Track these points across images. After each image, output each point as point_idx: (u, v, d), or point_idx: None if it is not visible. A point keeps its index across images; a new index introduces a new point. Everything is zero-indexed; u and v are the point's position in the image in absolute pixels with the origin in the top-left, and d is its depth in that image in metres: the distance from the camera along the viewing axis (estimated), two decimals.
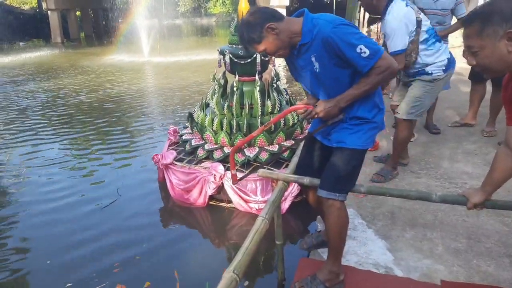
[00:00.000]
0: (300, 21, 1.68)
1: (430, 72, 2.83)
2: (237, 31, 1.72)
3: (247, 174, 2.73)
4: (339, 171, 1.78)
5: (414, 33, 2.71)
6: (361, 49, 1.58)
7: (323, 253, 2.26)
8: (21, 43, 19.29)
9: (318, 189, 1.82)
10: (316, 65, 1.69)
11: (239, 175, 3.05)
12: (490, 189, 1.57)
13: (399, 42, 2.66)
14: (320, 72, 1.71)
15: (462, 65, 5.74)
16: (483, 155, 3.48)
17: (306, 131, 3.37)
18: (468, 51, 1.33)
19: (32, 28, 22.69)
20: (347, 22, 1.66)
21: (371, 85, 1.67)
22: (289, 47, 1.72)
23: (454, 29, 3.82)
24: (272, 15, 1.67)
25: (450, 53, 2.93)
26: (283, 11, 15.97)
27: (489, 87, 4.09)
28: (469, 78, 4.19)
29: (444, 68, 2.83)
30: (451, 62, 2.87)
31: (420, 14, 2.76)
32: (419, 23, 2.71)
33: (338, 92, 1.72)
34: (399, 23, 2.63)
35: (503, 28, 1.22)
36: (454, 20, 3.87)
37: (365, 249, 2.32)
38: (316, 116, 1.75)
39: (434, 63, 2.81)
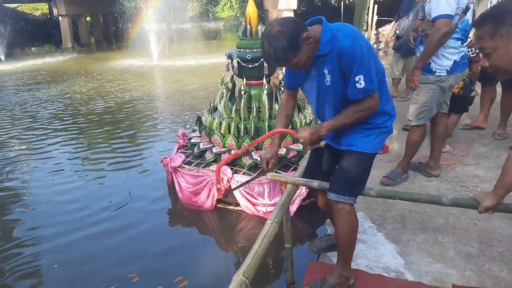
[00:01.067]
0: (318, 30, 1.63)
1: (434, 70, 2.77)
2: (265, 47, 1.57)
3: (237, 187, 2.75)
4: (349, 174, 1.77)
5: (458, 15, 2.60)
6: (359, 78, 1.58)
7: (333, 256, 2.25)
8: (33, 49, 19.61)
9: (328, 192, 1.82)
10: (328, 78, 1.67)
11: (246, 177, 3.09)
12: (501, 192, 1.55)
13: (445, 5, 2.53)
14: (330, 86, 1.69)
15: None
16: (494, 158, 3.43)
17: None
18: (481, 53, 1.32)
19: (43, 34, 23.08)
20: (364, 39, 1.63)
21: (350, 120, 1.70)
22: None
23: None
24: (302, 23, 1.61)
25: (464, 57, 2.84)
26: (290, 14, 16.02)
27: (499, 89, 4.04)
28: (479, 80, 4.13)
29: (448, 69, 2.76)
30: (458, 65, 2.78)
31: (472, 2, 2.64)
32: (467, 9, 2.59)
33: (345, 106, 1.72)
34: None
35: None
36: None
37: (376, 253, 2.30)
38: (299, 141, 1.83)
39: (444, 58, 2.72)
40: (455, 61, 2.75)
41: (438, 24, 2.60)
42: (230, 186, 3.14)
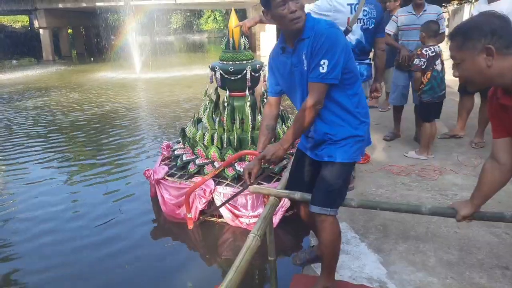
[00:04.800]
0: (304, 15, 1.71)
1: None
2: None
3: (222, 205, 2.74)
4: (329, 186, 1.78)
5: None
6: (324, 62, 1.61)
7: (317, 268, 2.24)
8: (13, 61, 19.26)
9: (309, 205, 1.82)
10: (305, 63, 1.69)
11: (229, 189, 3.07)
12: (478, 201, 1.58)
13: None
14: (306, 72, 1.70)
15: (451, 78, 5.84)
16: (472, 166, 3.52)
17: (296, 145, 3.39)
18: (454, 63, 1.39)
19: (23, 46, 22.72)
20: (341, 33, 1.70)
21: (299, 122, 1.72)
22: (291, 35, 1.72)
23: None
24: None
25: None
26: (273, 28, 16.21)
27: (477, 99, 4.16)
28: (458, 90, 4.26)
29: None
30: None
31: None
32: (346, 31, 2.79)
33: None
34: None
35: (481, 42, 1.28)
36: None
37: (359, 263, 2.31)
38: (267, 161, 1.83)
39: None
40: None
41: None
42: (212, 198, 3.12)
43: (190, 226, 2.90)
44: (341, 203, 1.84)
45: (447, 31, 4.28)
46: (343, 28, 2.72)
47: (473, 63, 1.32)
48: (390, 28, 4.10)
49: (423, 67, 3.50)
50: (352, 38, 2.84)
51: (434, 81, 3.55)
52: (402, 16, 4.02)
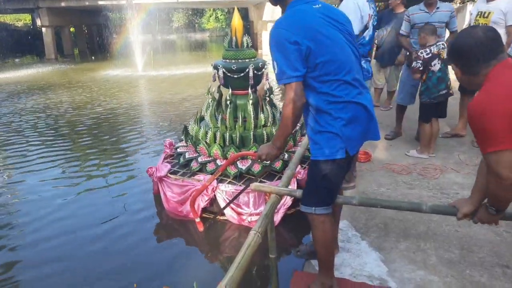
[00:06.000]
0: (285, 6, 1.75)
1: None
2: None
3: (227, 206, 2.78)
4: (309, 184, 1.80)
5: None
6: (275, 64, 1.64)
7: (317, 265, 2.25)
8: (16, 60, 19.30)
9: (299, 204, 1.84)
10: None
11: (231, 187, 3.09)
12: (478, 198, 1.59)
13: None
14: None
15: (452, 77, 5.83)
16: (473, 165, 3.52)
17: (300, 143, 3.40)
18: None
19: (26, 45, 22.75)
20: (288, 29, 1.61)
21: (284, 121, 1.71)
22: None
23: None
24: None
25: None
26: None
27: None
28: (458, 89, 4.26)
29: None
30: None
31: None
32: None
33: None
34: None
35: (478, 67, 1.44)
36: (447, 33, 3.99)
37: (359, 261, 2.32)
38: (261, 159, 1.88)
39: None
40: None
41: None
42: (214, 195, 3.13)
43: (201, 229, 2.91)
44: (331, 202, 1.81)
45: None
46: (361, 25, 2.80)
47: (470, 80, 1.50)
48: (404, 29, 4.04)
49: (420, 68, 3.53)
50: (366, 34, 2.91)
51: (429, 81, 3.57)
52: (414, 14, 3.95)
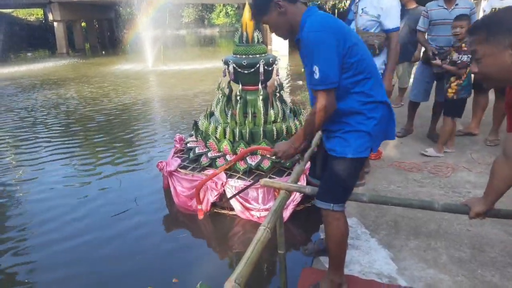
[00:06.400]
0: (300, 12, 1.70)
1: None
2: None
3: (234, 196, 2.79)
4: (331, 181, 1.77)
5: None
6: (315, 69, 1.60)
7: (326, 262, 2.24)
8: (28, 54, 19.52)
9: (314, 199, 1.82)
10: (305, 62, 1.71)
11: (240, 182, 3.10)
12: (492, 198, 1.57)
13: None
14: (306, 74, 1.72)
15: None
16: (486, 164, 3.47)
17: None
18: (472, 58, 1.35)
19: (38, 39, 23.01)
20: (326, 28, 1.60)
21: (307, 124, 1.71)
22: (290, 33, 1.75)
23: None
24: None
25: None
26: None
27: (492, 96, 4.10)
28: (472, 88, 4.19)
29: None
30: None
31: None
32: None
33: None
34: None
35: (508, 38, 1.23)
36: None
37: (369, 258, 2.31)
38: (278, 158, 1.86)
39: None
40: None
41: None
42: (224, 191, 3.14)
43: (200, 217, 2.96)
44: (347, 199, 1.82)
45: None
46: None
47: (495, 59, 1.27)
48: (422, 25, 3.95)
49: (469, 63, 3.34)
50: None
51: (469, 77, 3.47)
52: (432, 10, 3.84)
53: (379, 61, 3.00)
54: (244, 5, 3.59)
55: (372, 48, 2.92)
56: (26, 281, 2.65)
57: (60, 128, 6.25)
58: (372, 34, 2.93)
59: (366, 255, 2.33)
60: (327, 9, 22.03)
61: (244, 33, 3.42)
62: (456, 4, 3.69)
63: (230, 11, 34.21)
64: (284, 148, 1.83)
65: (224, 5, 34.54)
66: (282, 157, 1.85)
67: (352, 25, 3.02)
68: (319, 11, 1.69)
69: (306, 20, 1.66)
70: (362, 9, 2.93)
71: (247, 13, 3.39)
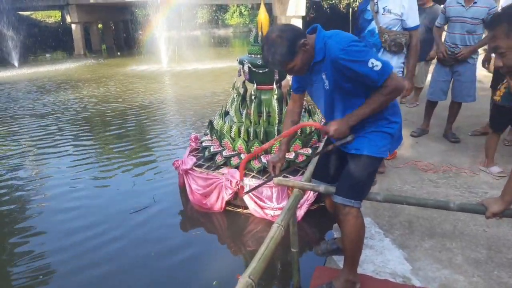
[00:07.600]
0: (313, 39, 1.69)
1: None
2: (264, 50, 1.66)
3: (251, 190, 2.76)
4: (354, 178, 1.79)
5: None
6: (372, 63, 1.60)
7: (339, 261, 2.25)
8: (47, 55, 19.97)
9: (333, 195, 1.84)
10: (327, 82, 1.72)
11: (254, 181, 3.12)
12: (509, 198, 1.55)
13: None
14: (330, 90, 1.73)
15: (484, 73, 5.64)
16: (504, 164, 3.40)
17: (324, 139, 3.38)
18: (495, 52, 1.33)
19: (56, 41, 23.51)
20: (356, 40, 1.66)
21: (378, 105, 1.71)
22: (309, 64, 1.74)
23: (485, 43, 3.74)
24: (300, 31, 1.68)
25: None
26: (299, 21, 16.11)
27: None
28: (490, 86, 4.12)
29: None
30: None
31: None
32: None
33: (351, 108, 1.74)
34: None
35: None
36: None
37: (382, 258, 2.30)
38: (327, 134, 1.78)
39: None
40: None
41: None
42: (238, 189, 3.17)
43: (242, 195, 3.15)
44: (365, 197, 1.85)
45: None
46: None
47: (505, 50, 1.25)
48: (439, 21, 3.91)
49: None
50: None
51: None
52: (449, 7, 3.77)
53: (399, 61, 3.00)
54: (258, 5, 3.62)
55: (400, 47, 2.93)
56: (55, 281, 2.69)
57: (77, 129, 6.37)
58: (399, 33, 2.92)
59: (380, 255, 2.33)
60: (342, 8, 21.86)
61: (259, 32, 3.44)
62: (475, 2, 3.60)
63: (244, 11, 34.24)
64: (337, 125, 1.74)
65: (237, 6, 34.63)
66: (335, 135, 1.77)
67: (372, 25, 3.00)
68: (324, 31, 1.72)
69: (325, 40, 1.66)
70: (384, 8, 2.91)
71: (262, 13, 3.42)
